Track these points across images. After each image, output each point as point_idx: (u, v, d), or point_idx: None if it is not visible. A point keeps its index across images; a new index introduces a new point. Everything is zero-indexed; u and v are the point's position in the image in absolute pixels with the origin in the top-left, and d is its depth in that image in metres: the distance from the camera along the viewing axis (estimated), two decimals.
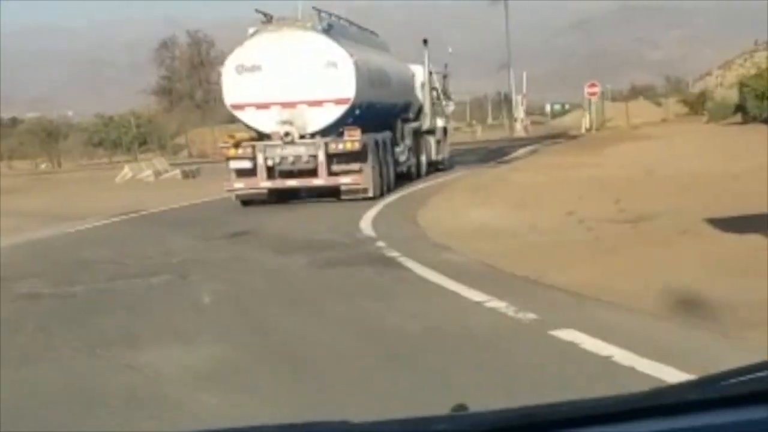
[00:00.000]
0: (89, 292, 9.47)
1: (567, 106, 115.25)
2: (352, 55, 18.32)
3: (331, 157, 18.00)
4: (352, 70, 18.17)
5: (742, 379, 1.45)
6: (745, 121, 45.97)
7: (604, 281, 8.37)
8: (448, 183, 22.33)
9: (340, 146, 17.91)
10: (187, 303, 8.65)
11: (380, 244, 11.90)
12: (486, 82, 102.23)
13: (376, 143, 19.35)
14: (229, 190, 18.78)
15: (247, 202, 18.59)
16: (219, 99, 74.93)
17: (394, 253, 10.83)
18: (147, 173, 35.19)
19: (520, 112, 59.97)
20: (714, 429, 1.38)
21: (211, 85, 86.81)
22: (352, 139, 17.90)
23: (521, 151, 36.90)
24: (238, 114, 18.81)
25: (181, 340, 6.96)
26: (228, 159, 18.50)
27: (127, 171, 35.60)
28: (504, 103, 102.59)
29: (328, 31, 18.68)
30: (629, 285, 8.14)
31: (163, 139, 58.64)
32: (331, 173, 18.09)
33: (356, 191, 18.18)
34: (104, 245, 14.07)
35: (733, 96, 54.95)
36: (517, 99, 60.75)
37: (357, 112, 18.54)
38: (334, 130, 18.32)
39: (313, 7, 19.18)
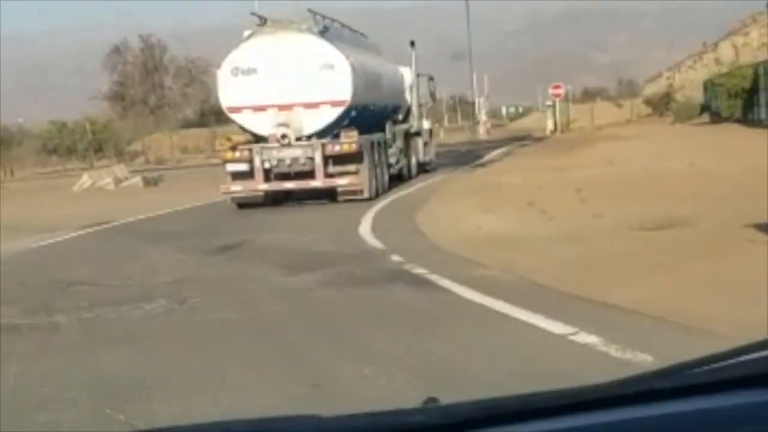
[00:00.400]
0: (74, 323, 7.91)
1: (520, 109, 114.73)
2: (348, 57, 18.24)
3: (327, 159, 17.92)
4: (349, 72, 18.12)
5: (711, 367, 1.43)
6: (713, 121, 45.26)
7: (684, 304, 7.07)
8: (437, 186, 21.14)
9: (337, 148, 17.84)
10: (196, 337, 7.18)
11: (396, 258, 10.46)
12: (439, 84, 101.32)
13: (372, 144, 19.25)
14: (226, 193, 18.62)
15: (243, 204, 18.40)
16: (173, 104, 73.12)
17: (419, 270, 9.41)
18: (107, 181, 33.44)
19: (482, 115, 58.92)
20: (683, 416, 1.37)
21: (164, 91, 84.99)
22: (349, 141, 17.85)
23: (494, 154, 35.74)
24: (235, 117, 18.57)
25: (205, 389, 5.51)
26: (225, 162, 18.37)
27: (85, 179, 33.81)
28: (460, 105, 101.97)
29: (324, 33, 18.59)
30: (719, 308, 6.86)
31: (119, 145, 56.74)
32: (327, 175, 18.01)
33: (353, 192, 18.07)
34: (80, 262, 12.53)
35: (698, 96, 54.40)
36: (479, 101, 59.68)
37: (353, 114, 18.50)
38: (330, 132, 18.23)
39: (309, 10, 19.05)
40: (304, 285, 9.21)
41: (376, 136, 20.02)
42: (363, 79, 19.04)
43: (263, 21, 18.58)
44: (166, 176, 35.45)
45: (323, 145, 17.86)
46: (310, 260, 10.80)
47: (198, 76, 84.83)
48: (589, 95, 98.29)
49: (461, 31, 61.32)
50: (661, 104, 54.97)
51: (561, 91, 51.03)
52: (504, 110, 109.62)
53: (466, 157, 34.10)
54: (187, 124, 73.51)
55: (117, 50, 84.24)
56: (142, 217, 18.92)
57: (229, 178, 18.36)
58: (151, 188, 32.77)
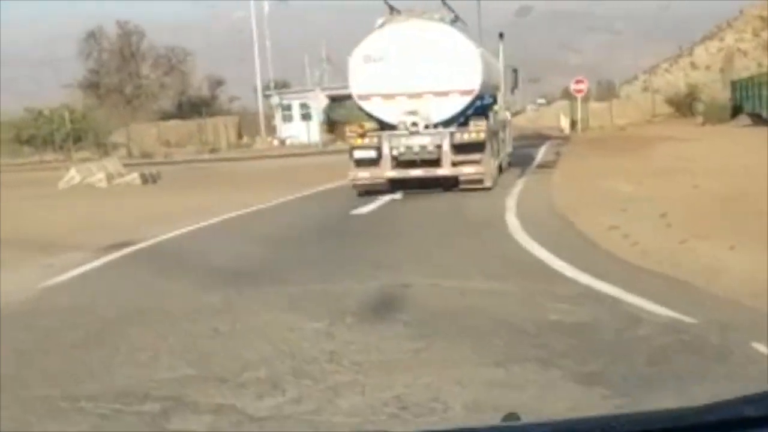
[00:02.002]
0: None
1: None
2: (478, 47, 18.34)
3: (454, 147, 17.72)
4: (479, 62, 18.11)
5: None
6: (755, 123, 40.69)
7: None
8: (537, 193, 16.09)
9: (465, 136, 17.76)
10: None
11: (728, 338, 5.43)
12: None
13: (492, 134, 18.92)
14: (353, 180, 18.42)
15: (363, 192, 18.11)
16: (150, 94, 67.19)
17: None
18: (98, 177, 27.95)
19: None
20: None
21: (141, 80, 79.08)
22: (477, 130, 17.81)
23: (541, 153, 30.75)
24: (363, 104, 18.39)
25: None
26: (352, 148, 18.32)
27: (73, 174, 28.27)
28: None
29: (455, 22, 18.84)
30: None
31: (101, 136, 50.95)
32: (453, 163, 17.79)
33: (475, 181, 17.87)
34: (143, 336, 7.13)
35: (725, 96, 50.05)
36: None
37: (477, 103, 18.51)
38: (455, 120, 18.12)
39: (443, 1, 19.58)
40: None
41: (492, 126, 19.35)
42: (486, 69, 18.81)
43: (395, 11, 18.82)
44: (161, 172, 30.02)
45: (452, 134, 17.77)
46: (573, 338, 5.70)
47: (177, 66, 79.22)
48: (568, 95, 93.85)
49: None
50: (684, 104, 50.32)
51: (584, 86, 46.06)
52: None
53: (513, 156, 28.97)
54: (165, 116, 67.74)
55: (92, 36, 78.20)
56: (176, 232, 13.69)
57: (353, 164, 18.29)
58: (151, 187, 27.40)
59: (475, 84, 18.09)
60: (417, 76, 17.68)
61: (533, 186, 18.68)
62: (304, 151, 44.99)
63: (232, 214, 15.81)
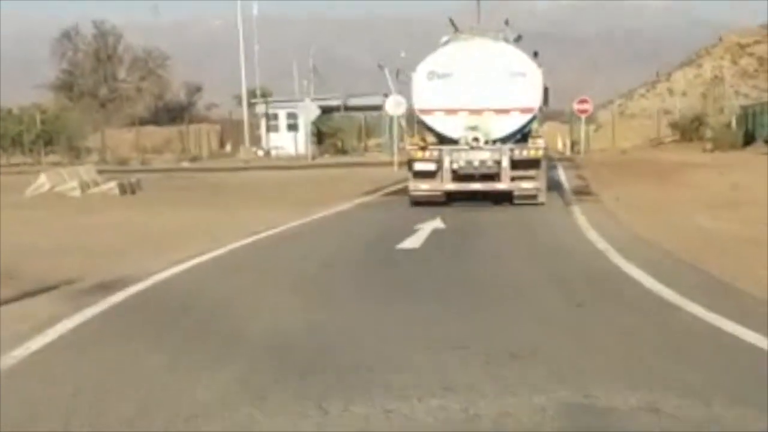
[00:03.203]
0: None
1: None
2: (540, 66, 18.31)
3: (512, 163, 17.75)
4: (540, 81, 18.22)
5: None
6: None
7: None
8: (614, 224, 12.56)
9: (525, 153, 17.81)
10: None
11: None
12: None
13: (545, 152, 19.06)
14: (412, 191, 18.36)
15: (418, 203, 18.09)
16: (126, 98, 63.02)
17: None
18: (71, 185, 24.17)
19: None
20: None
21: (117, 83, 75.05)
22: (536, 147, 17.96)
23: (564, 178, 27.39)
24: (426, 118, 18.57)
25: None
26: (412, 161, 18.25)
27: (42, 181, 24.44)
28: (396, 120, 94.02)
29: (517, 41, 18.93)
30: None
31: (74, 139, 46.88)
32: (512, 178, 17.83)
33: (530, 197, 17.93)
34: None
35: (716, 121, 47.32)
36: None
37: (534, 121, 18.90)
38: (513, 136, 18.21)
39: (506, 21, 19.96)
40: None
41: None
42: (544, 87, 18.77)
43: (457, 28, 19.29)
44: (140, 182, 26.33)
45: (511, 150, 17.80)
46: None
47: (155, 69, 75.27)
48: (548, 117, 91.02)
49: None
50: (691, 129, 47.30)
51: (588, 106, 42.83)
52: None
53: None
54: (141, 122, 63.77)
55: (67, 36, 74.13)
56: (180, 267, 10.06)
57: (411, 176, 18.31)
58: (130, 199, 23.71)
59: (535, 102, 18.31)
60: (479, 93, 17.87)
61: (601, 220, 15.24)
62: (292, 164, 41.43)
63: (236, 245, 12.23)
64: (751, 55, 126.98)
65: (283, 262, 10.68)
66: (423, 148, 18.23)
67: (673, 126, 49.84)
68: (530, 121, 18.76)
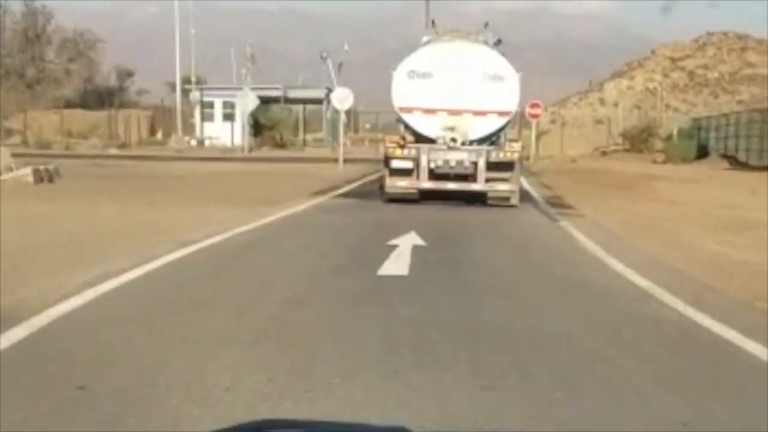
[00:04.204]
0: None
1: None
2: (518, 71, 18.18)
3: (488, 165, 17.58)
4: (517, 85, 18.10)
5: None
6: (733, 166, 35.77)
7: None
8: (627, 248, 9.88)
9: (501, 155, 17.74)
10: None
11: None
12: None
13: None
14: (389, 188, 18.01)
15: (393, 200, 17.85)
16: (54, 80, 58.91)
17: None
18: None
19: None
20: None
21: (45, 63, 70.47)
22: (512, 150, 18.02)
23: (525, 184, 24.82)
24: (405, 116, 18.25)
25: None
26: (390, 158, 17.92)
27: None
28: (337, 115, 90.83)
29: (498, 45, 18.88)
30: None
31: None
32: (486, 180, 17.68)
33: (503, 198, 17.82)
34: None
35: (681, 134, 45.35)
36: None
37: (510, 124, 19.36)
38: (488, 139, 18.24)
39: (485, 24, 19.95)
40: None
41: None
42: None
43: (437, 29, 19.38)
44: (60, 168, 23.01)
45: (488, 152, 17.75)
46: None
47: (86, 51, 70.86)
48: None
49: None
50: (640, 140, 45.23)
51: (540, 111, 40.32)
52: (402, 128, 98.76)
53: None
54: (69, 105, 59.63)
55: None
56: (75, 302, 7.01)
57: (387, 173, 18.06)
58: (45, 188, 20.41)
59: (512, 106, 18.25)
60: (458, 94, 17.74)
61: (605, 240, 12.58)
62: (227, 155, 38.25)
63: (160, 262, 9.21)
64: (682, 69, 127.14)
65: (227, 298, 7.62)
66: (402, 147, 17.84)
67: (623, 135, 47.74)
68: (506, 125, 18.71)
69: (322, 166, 32.54)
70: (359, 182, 24.92)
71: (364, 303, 7.37)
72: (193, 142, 46.95)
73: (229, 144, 44.94)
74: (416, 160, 17.61)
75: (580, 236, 13.07)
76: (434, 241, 11.84)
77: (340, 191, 21.48)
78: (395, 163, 17.86)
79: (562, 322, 6.83)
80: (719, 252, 11.98)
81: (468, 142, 17.76)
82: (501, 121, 18.21)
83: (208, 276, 8.62)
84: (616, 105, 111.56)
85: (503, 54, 18.51)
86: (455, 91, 17.76)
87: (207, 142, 46.83)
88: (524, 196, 21.09)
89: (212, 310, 6.88)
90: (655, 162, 40.19)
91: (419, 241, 11.69)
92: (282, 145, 48.82)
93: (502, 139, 19.12)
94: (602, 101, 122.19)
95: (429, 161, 17.56)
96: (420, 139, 17.99)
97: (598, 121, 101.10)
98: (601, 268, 10.13)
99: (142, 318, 6.55)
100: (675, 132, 47.14)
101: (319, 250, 10.86)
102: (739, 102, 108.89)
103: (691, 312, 7.33)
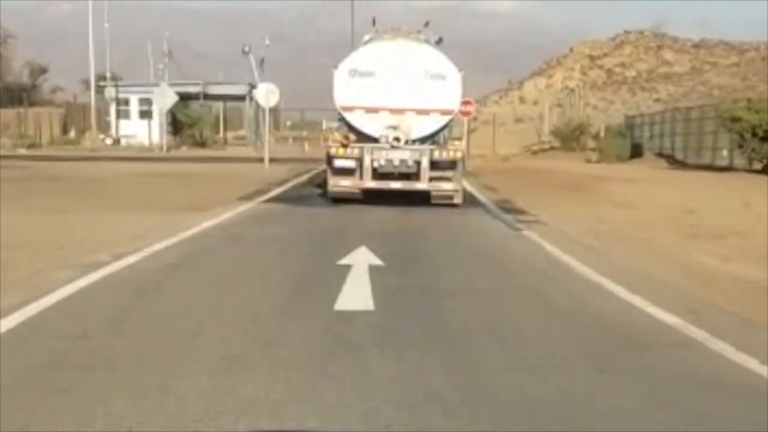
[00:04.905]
0: None
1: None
2: (460, 70, 17.79)
3: (431, 164, 17.25)
4: (459, 84, 17.75)
5: None
6: (670, 165, 34.62)
7: None
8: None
9: (444, 154, 17.46)
10: None
11: None
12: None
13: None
14: (332, 187, 17.51)
15: (338, 200, 17.39)
16: None
17: None
18: None
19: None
20: None
21: None
22: (455, 149, 17.81)
23: (472, 190, 23.11)
24: (347, 115, 17.79)
25: None
26: (333, 158, 17.42)
27: None
28: (260, 112, 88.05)
29: (439, 44, 18.70)
30: None
31: None
32: (430, 179, 17.32)
33: (446, 197, 17.49)
34: None
35: (609, 133, 44.19)
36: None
37: (452, 123, 18.92)
38: (431, 138, 17.99)
39: (426, 23, 19.70)
40: None
41: None
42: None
43: (378, 27, 19.03)
44: None
45: (431, 151, 17.37)
46: None
47: None
48: None
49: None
50: (572, 138, 43.95)
51: (472, 108, 38.65)
52: (325, 124, 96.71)
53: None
54: None
55: None
56: None
57: (330, 172, 17.57)
58: None
59: (454, 105, 17.98)
60: (401, 93, 17.47)
61: (582, 253, 10.83)
62: (145, 155, 35.71)
63: (64, 291, 7.15)
64: (600, 67, 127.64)
65: (135, 363, 5.54)
66: (345, 146, 17.40)
67: (554, 134, 46.41)
68: (449, 123, 18.50)
69: (247, 166, 30.38)
70: (290, 184, 22.89)
71: (328, 361, 5.40)
72: (109, 141, 44.17)
73: (146, 142, 42.33)
74: (359, 160, 17.24)
75: (550, 248, 11.30)
76: (391, 258, 9.90)
77: (271, 195, 19.44)
78: (338, 163, 17.45)
79: (613, 395, 4.97)
80: (711, 265, 10.38)
81: (411, 141, 17.46)
82: (443, 120, 17.92)
83: (111, 323, 6.47)
84: (535, 103, 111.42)
85: (445, 52, 18.11)
86: (397, 90, 17.47)
87: (123, 141, 44.14)
88: (471, 199, 19.59)
89: (111, 388, 4.80)
90: (588, 161, 38.98)
91: (374, 259, 9.75)
92: (202, 144, 46.38)
93: (442, 139, 18.86)
94: (522, 99, 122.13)
95: (372, 160, 17.22)
96: (363, 138, 17.56)
97: (518, 120, 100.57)
98: (598, 290, 8.34)
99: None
100: (603, 130, 46.13)
101: (256, 276, 8.77)
102: (657, 100, 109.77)
103: (754, 365, 5.56)
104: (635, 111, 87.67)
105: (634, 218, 15.87)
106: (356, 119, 17.72)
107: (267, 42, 55.13)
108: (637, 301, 7.72)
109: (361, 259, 9.72)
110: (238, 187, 20.48)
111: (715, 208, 17.72)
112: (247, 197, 18.24)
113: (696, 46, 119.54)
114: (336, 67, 17.98)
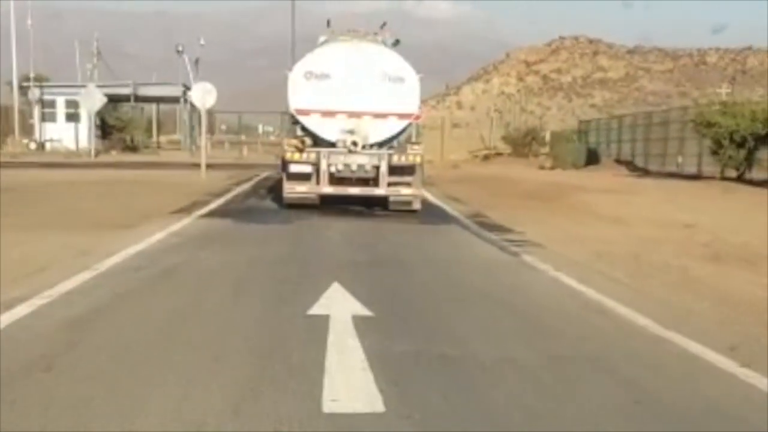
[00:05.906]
0: None
1: (272, 128, 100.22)
2: (418, 72, 17.25)
3: (390, 169, 16.66)
4: (417, 87, 17.18)
5: None
6: (632, 172, 32.53)
7: None
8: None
9: (403, 159, 16.86)
10: None
11: None
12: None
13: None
14: (288, 193, 16.87)
15: (293, 206, 16.72)
16: None
17: None
18: None
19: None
20: None
21: None
22: (414, 153, 17.04)
23: (435, 201, 20.66)
24: (302, 119, 16.88)
25: None
26: (288, 163, 16.71)
27: None
28: (194, 115, 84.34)
29: (396, 46, 17.95)
30: None
31: None
32: (389, 184, 16.78)
33: (406, 203, 17.06)
34: None
35: (555, 138, 42.19)
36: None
37: (410, 127, 17.88)
38: (389, 142, 17.18)
39: (382, 25, 18.85)
40: None
41: None
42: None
43: (331, 27, 18.31)
44: None
45: (390, 155, 16.76)
46: None
47: None
48: None
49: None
50: (524, 144, 41.80)
51: (422, 112, 36.21)
52: (261, 128, 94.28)
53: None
54: None
55: None
56: None
57: (286, 177, 16.91)
58: None
59: (413, 108, 17.29)
60: (358, 96, 16.75)
61: (623, 294, 8.34)
62: (71, 161, 32.59)
63: None
64: (536, 73, 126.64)
65: None
66: (300, 150, 16.62)
67: (505, 139, 44.18)
68: (407, 127, 17.67)
69: (182, 173, 27.46)
70: (231, 194, 20.14)
71: None
72: (33, 146, 40.73)
73: (73, 147, 39.03)
74: (316, 165, 16.62)
75: (574, 284, 8.77)
76: (378, 303, 7.23)
77: (211, 207, 16.71)
78: (294, 168, 16.78)
79: None
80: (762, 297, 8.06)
81: (369, 146, 16.81)
82: (402, 124, 17.18)
83: None
84: (473, 108, 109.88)
85: (403, 55, 17.41)
86: (354, 93, 16.76)
87: (48, 145, 40.73)
88: (440, 213, 17.27)
89: None
90: (542, 167, 36.85)
91: (357, 306, 7.09)
92: (133, 149, 43.19)
93: (397, 144, 17.75)
94: (460, 104, 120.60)
95: (329, 165, 16.63)
96: (319, 142, 16.79)
97: (455, 125, 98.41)
98: (687, 359, 5.81)
99: None
100: (547, 137, 44.19)
101: (196, 344, 5.88)
102: (592, 106, 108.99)
103: None
104: (571, 117, 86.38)
105: (635, 237, 13.55)
106: (312, 123, 16.86)
107: (202, 42, 52.21)
108: (755, 379, 5.20)
109: (339, 306, 7.07)
110: (171, 198, 17.70)
111: (712, 223, 15.60)
112: (183, 210, 15.47)
113: (630, 52, 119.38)
114: (290, 69, 17.17)
